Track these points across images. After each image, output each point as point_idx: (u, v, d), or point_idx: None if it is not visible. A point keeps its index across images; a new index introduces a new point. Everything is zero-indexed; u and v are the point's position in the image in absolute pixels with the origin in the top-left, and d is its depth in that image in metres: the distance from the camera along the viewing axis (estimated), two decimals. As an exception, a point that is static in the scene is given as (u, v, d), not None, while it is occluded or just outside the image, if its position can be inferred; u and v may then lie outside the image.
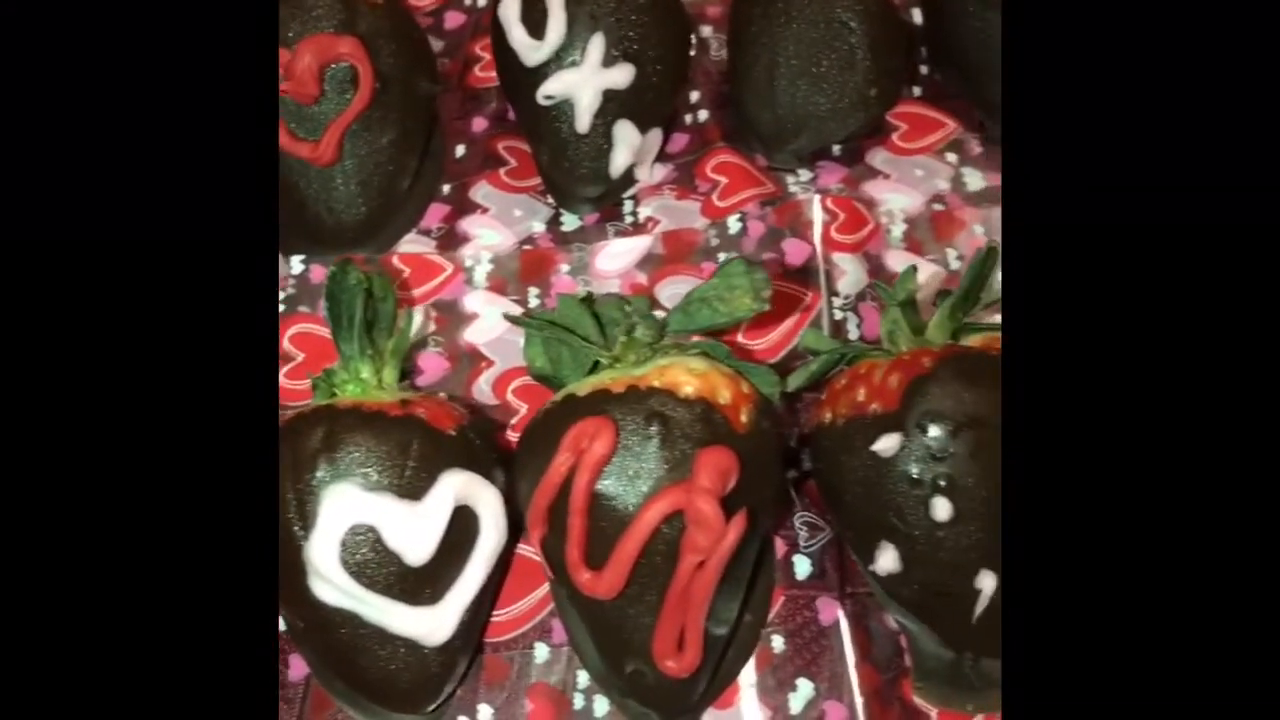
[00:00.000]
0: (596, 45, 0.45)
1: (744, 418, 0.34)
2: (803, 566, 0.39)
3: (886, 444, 0.34)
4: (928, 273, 0.45)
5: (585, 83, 0.45)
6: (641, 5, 0.46)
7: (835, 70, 0.47)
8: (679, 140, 0.51)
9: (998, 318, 0.43)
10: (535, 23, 0.46)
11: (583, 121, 0.46)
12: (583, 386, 0.35)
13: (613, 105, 0.46)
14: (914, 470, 0.33)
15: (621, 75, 0.45)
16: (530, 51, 0.46)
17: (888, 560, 0.34)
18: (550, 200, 0.49)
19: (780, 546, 0.40)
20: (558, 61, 0.46)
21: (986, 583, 0.33)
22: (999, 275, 0.38)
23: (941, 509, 0.33)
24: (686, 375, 0.34)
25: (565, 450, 0.33)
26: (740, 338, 0.44)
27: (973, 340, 0.36)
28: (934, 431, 0.33)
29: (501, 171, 0.50)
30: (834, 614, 0.38)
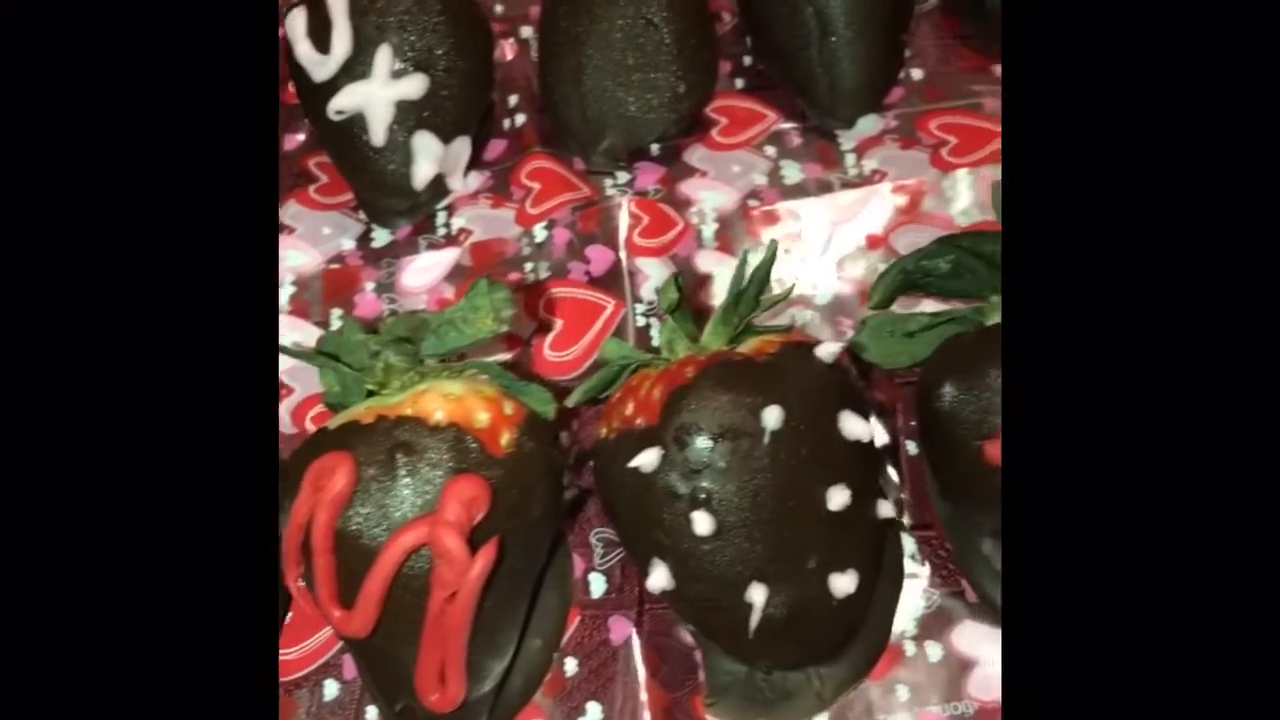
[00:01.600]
0: (384, 56, 0.44)
1: (504, 440, 0.33)
2: (598, 584, 0.38)
3: (646, 459, 0.33)
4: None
5: (376, 95, 0.44)
6: (430, 13, 0.45)
7: (642, 69, 0.46)
8: (496, 147, 0.50)
9: (785, 318, 0.43)
10: (320, 37, 0.44)
11: (377, 135, 0.44)
12: (339, 418, 0.34)
13: (409, 116, 0.45)
14: (674, 485, 0.33)
15: (413, 85, 0.44)
16: (317, 66, 0.44)
17: (659, 577, 0.33)
18: (362, 216, 0.48)
19: (579, 564, 0.39)
20: (346, 75, 0.44)
21: (756, 595, 0.33)
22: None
23: (702, 523, 0.32)
24: (440, 401, 0.33)
25: (306, 488, 0.32)
26: (546, 350, 0.43)
27: (747, 346, 0.35)
28: (691, 444, 0.32)
29: (311, 189, 0.49)
30: (625, 632, 0.37)
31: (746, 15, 0.50)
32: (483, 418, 0.33)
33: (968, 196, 0.46)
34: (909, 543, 0.38)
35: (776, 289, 0.43)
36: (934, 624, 0.37)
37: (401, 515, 0.32)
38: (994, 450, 0.33)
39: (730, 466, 0.32)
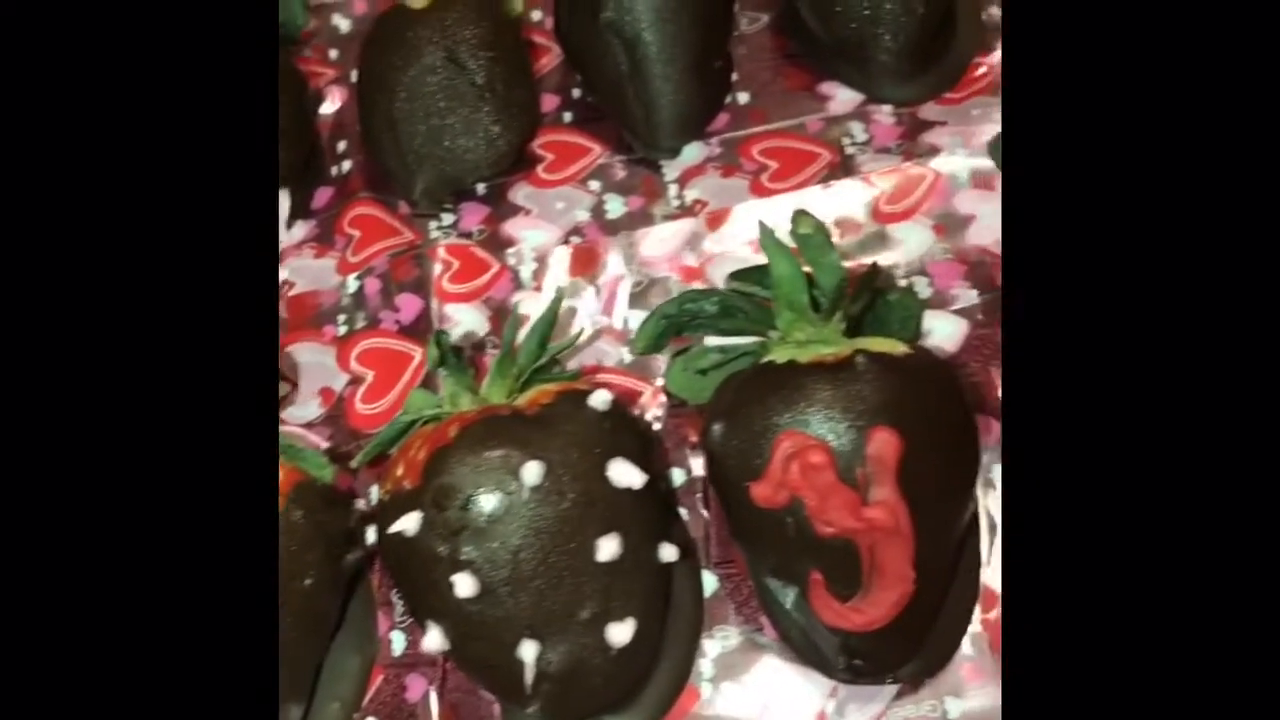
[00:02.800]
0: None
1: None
2: (399, 642, 0.38)
3: (407, 524, 0.32)
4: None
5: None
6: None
7: (455, 110, 0.46)
8: (324, 195, 0.50)
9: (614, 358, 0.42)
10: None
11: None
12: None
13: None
14: (436, 547, 0.32)
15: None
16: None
17: (433, 639, 0.33)
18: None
19: (383, 622, 0.38)
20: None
21: (527, 652, 0.32)
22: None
23: (464, 585, 0.32)
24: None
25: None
26: (358, 403, 0.43)
27: (524, 397, 0.35)
28: (449, 506, 0.32)
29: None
30: (421, 689, 0.37)
31: (564, 51, 0.50)
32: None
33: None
34: (711, 580, 0.38)
35: (589, 328, 0.43)
36: (731, 664, 0.37)
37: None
38: (760, 491, 0.33)
39: (489, 526, 0.32)
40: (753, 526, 0.34)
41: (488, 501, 0.32)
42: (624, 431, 0.35)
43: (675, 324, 0.37)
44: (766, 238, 0.35)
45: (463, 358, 0.37)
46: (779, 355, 0.35)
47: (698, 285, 0.45)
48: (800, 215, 0.35)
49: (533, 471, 0.32)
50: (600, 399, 0.34)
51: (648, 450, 0.35)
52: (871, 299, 0.38)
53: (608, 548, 0.33)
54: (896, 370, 0.33)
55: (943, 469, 0.33)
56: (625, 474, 0.33)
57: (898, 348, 0.34)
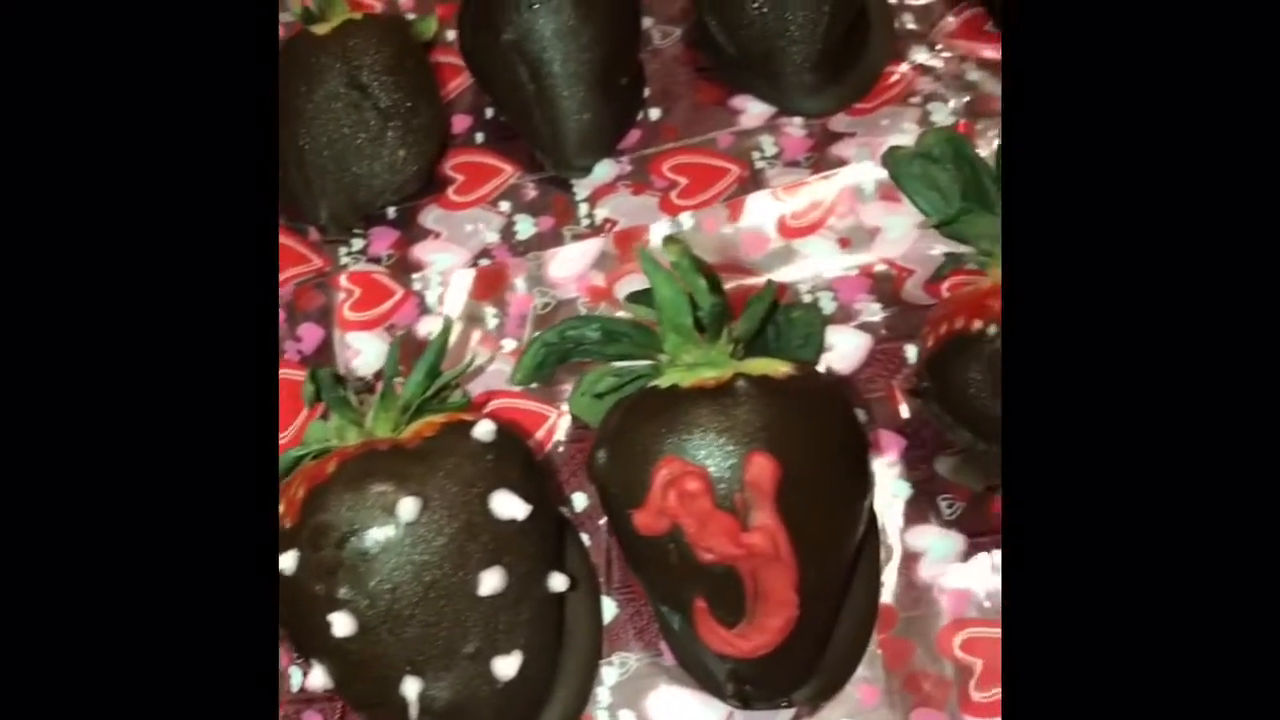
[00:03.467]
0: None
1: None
2: (296, 677, 0.38)
3: (285, 563, 0.32)
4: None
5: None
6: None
7: (360, 135, 0.46)
8: (235, 223, 0.49)
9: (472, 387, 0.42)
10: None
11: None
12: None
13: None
14: (312, 587, 0.32)
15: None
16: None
17: (318, 678, 0.33)
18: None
19: (283, 658, 0.38)
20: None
21: (410, 689, 0.32)
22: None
23: (341, 624, 0.31)
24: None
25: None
26: (262, 434, 0.43)
27: (409, 430, 0.35)
28: (324, 545, 0.32)
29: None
30: (315, 726, 0.37)
31: (471, 72, 0.50)
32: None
33: (692, 239, 0.45)
34: (610, 606, 0.38)
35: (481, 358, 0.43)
36: (629, 690, 0.37)
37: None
38: (641, 519, 0.33)
39: (365, 564, 0.32)
40: (639, 554, 0.34)
41: (363, 539, 0.32)
42: (509, 462, 0.34)
43: (556, 353, 0.36)
44: (645, 261, 0.35)
45: (348, 390, 0.36)
46: (664, 380, 0.35)
47: (604, 306, 0.44)
48: (668, 241, 0.35)
49: (409, 507, 0.32)
50: (484, 430, 0.34)
51: (535, 479, 0.35)
52: (767, 317, 0.38)
53: (490, 581, 0.32)
54: (777, 393, 0.33)
55: (826, 491, 0.33)
56: (508, 506, 0.33)
57: (781, 369, 0.34)
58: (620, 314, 0.43)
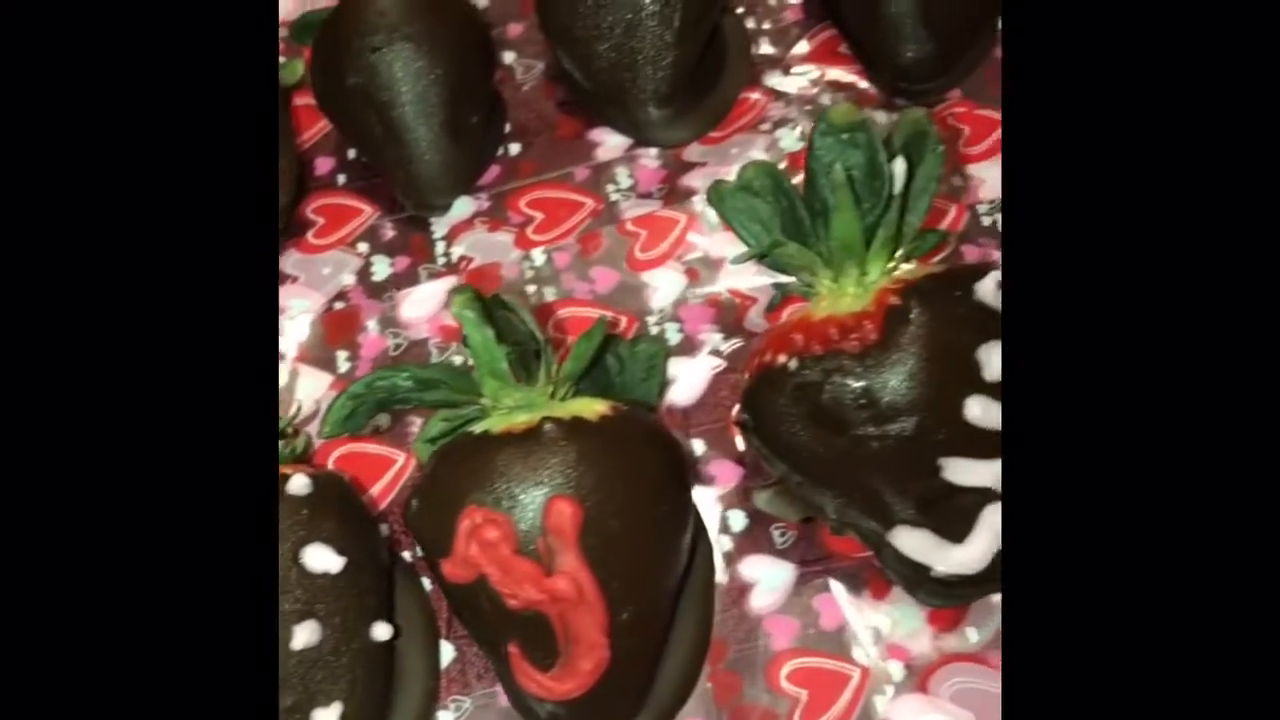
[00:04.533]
0: None
1: None
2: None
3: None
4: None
5: None
6: None
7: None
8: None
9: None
10: None
11: None
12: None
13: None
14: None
15: None
16: None
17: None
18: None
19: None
20: None
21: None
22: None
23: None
24: None
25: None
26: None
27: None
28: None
29: None
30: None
31: (325, 115, 0.50)
32: None
33: (546, 273, 0.46)
34: (449, 650, 0.38)
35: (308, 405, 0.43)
36: (464, 734, 0.37)
37: None
38: (448, 568, 0.33)
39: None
40: (454, 601, 0.34)
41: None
42: (323, 515, 0.34)
43: (365, 403, 0.36)
44: (456, 305, 0.35)
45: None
46: (479, 425, 0.35)
47: (456, 346, 0.45)
48: (455, 292, 0.35)
49: (215, 566, 0.32)
50: (298, 484, 0.34)
51: (355, 530, 0.35)
52: (598, 355, 0.38)
53: (302, 635, 0.33)
54: (585, 435, 0.33)
55: (638, 531, 0.33)
56: (321, 559, 0.33)
57: (596, 409, 0.34)
58: (435, 361, 0.44)
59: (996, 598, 0.36)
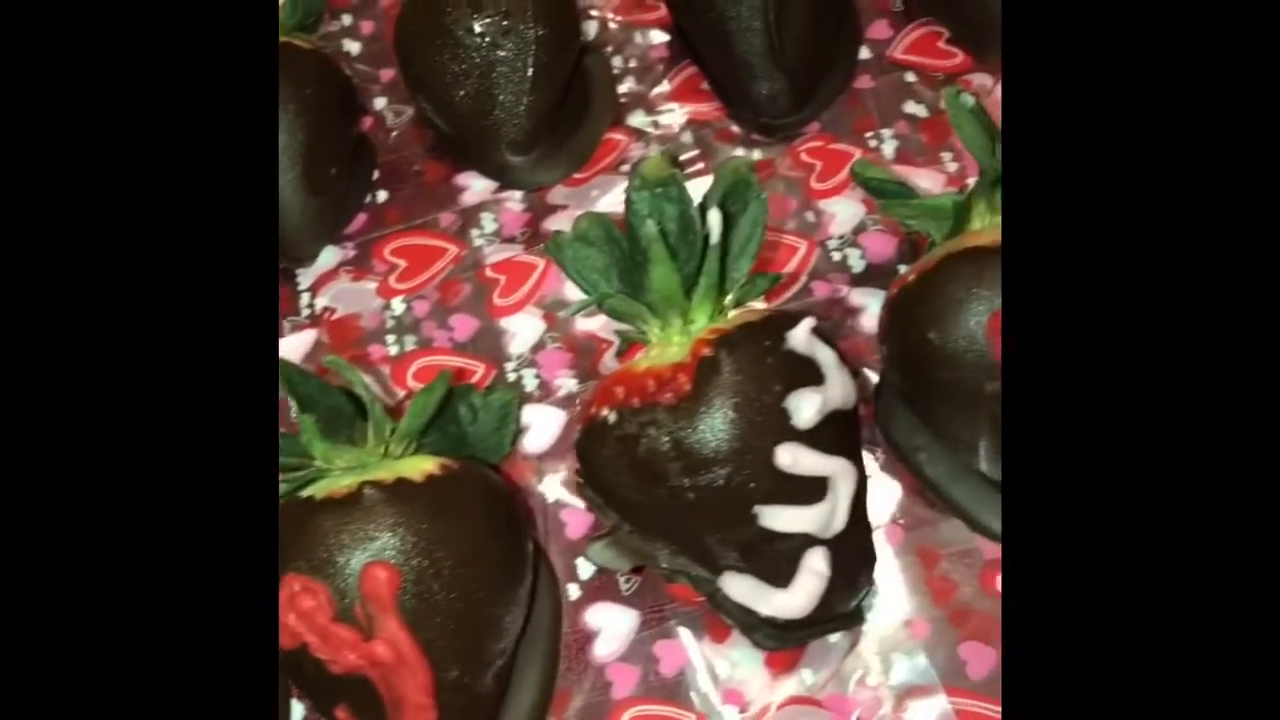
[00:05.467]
0: None
1: None
2: None
3: None
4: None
5: None
6: None
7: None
8: None
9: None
10: None
11: None
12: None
13: None
14: None
15: None
16: None
17: None
18: None
19: None
20: None
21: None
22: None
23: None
24: None
25: None
26: None
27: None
28: None
29: None
30: None
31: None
32: None
33: (406, 322, 0.46)
34: (298, 709, 0.38)
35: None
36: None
37: None
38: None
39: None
40: (286, 666, 0.34)
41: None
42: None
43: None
44: (283, 370, 0.35)
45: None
46: (308, 490, 0.35)
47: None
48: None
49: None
50: None
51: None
52: (439, 409, 0.38)
53: None
54: (405, 498, 0.33)
55: (463, 589, 0.33)
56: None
57: (424, 468, 0.35)
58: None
59: (834, 638, 0.36)
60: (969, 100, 0.37)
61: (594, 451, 0.35)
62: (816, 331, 0.35)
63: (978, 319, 0.34)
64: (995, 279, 0.34)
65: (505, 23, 0.46)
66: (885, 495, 0.39)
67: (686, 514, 0.33)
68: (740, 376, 0.33)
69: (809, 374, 0.34)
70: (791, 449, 0.33)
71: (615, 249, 0.37)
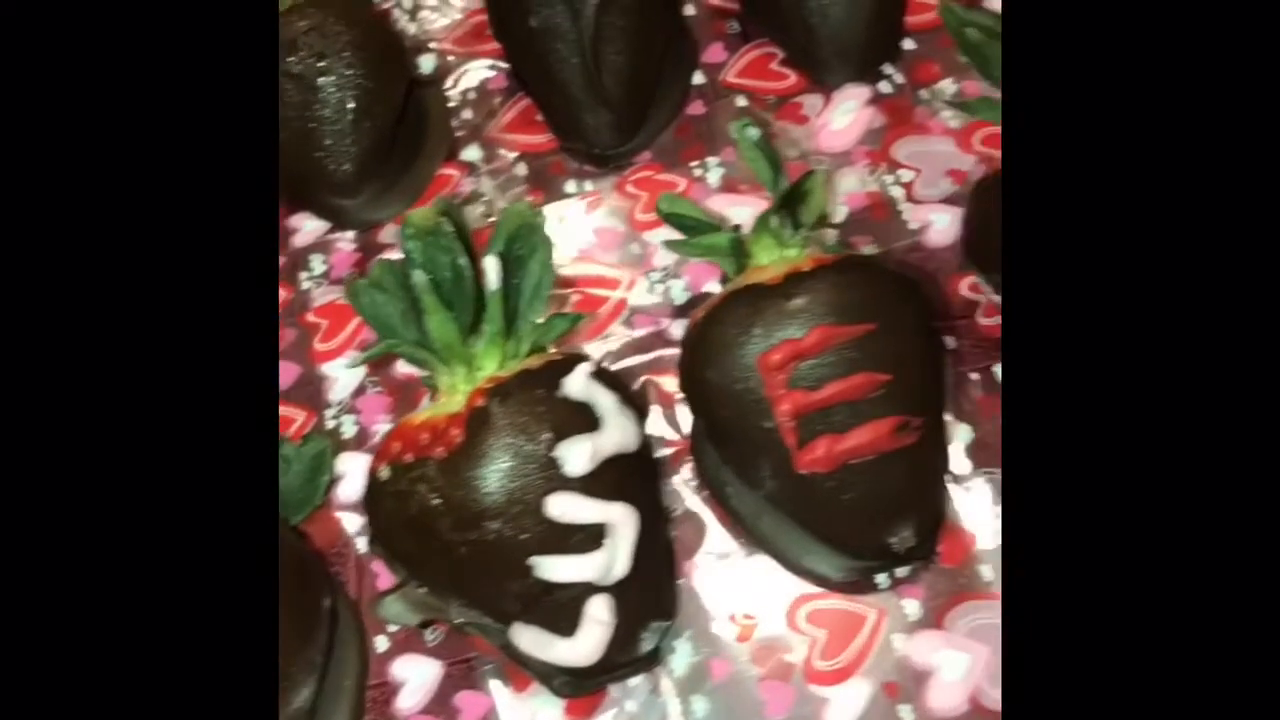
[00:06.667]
0: None
1: None
2: None
3: None
4: None
5: None
6: None
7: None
8: None
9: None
10: None
11: None
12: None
13: None
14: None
15: None
16: None
17: None
18: None
19: None
20: None
21: None
22: None
23: None
24: None
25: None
26: None
27: None
28: None
29: None
30: None
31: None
32: None
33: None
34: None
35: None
36: None
37: None
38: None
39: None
40: None
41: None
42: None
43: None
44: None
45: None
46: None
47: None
48: None
49: None
50: None
51: None
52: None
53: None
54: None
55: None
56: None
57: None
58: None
59: (634, 681, 0.36)
60: (754, 133, 0.37)
61: (374, 508, 0.34)
62: (600, 375, 0.35)
63: (750, 357, 0.34)
64: (773, 315, 0.34)
65: (321, 64, 0.46)
66: (698, 531, 0.39)
67: (464, 568, 0.33)
68: (510, 427, 0.33)
69: (582, 420, 0.33)
70: (562, 499, 0.32)
71: (408, 295, 0.37)
